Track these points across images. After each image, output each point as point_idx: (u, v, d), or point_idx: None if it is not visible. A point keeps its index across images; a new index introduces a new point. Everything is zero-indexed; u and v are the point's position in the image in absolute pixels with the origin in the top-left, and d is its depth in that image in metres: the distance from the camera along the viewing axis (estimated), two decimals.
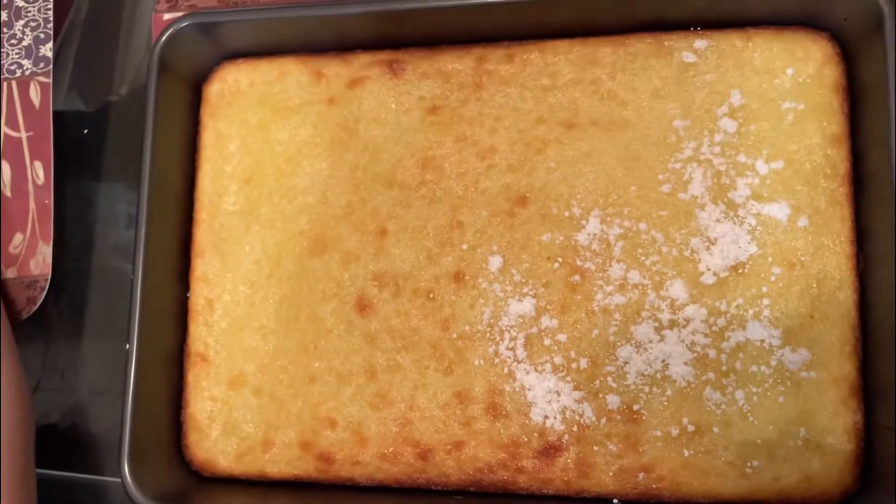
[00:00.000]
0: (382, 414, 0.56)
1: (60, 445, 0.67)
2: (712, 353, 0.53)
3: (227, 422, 0.59)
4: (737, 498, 0.53)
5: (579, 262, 0.55)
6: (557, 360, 0.55)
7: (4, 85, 0.66)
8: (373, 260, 0.58)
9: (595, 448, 0.54)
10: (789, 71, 0.55)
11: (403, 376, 0.57)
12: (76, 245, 0.69)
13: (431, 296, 0.57)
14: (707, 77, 0.56)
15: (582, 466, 0.54)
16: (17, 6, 0.67)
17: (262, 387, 0.58)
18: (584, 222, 0.56)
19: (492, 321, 0.56)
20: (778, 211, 0.54)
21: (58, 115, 0.67)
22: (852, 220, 0.54)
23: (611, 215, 0.56)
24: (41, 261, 0.64)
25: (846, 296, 0.53)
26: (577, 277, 0.55)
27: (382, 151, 0.59)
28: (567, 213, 0.56)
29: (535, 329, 0.55)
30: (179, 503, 0.56)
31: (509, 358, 0.55)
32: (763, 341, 0.53)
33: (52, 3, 0.67)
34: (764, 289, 0.53)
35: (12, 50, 0.66)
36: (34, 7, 0.67)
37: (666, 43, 0.57)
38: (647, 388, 0.54)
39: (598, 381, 0.54)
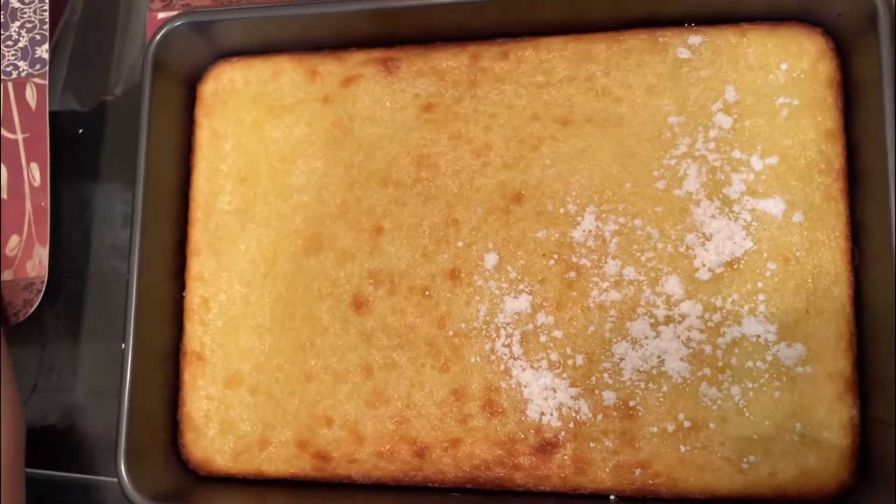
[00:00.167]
0: (379, 412, 0.56)
1: (58, 446, 0.67)
2: (708, 348, 0.53)
3: (223, 421, 0.59)
4: (733, 493, 0.53)
5: (575, 259, 0.55)
6: (553, 356, 0.55)
7: (0, 87, 0.66)
8: (368, 258, 0.58)
9: (591, 444, 0.54)
10: (783, 66, 0.55)
11: (400, 374, 0.57)
12: (73, 245, 0.69)
13: (427, 293, 0.57)
14: (701, 73, 0.56)
15: (578, 463, 0.54)
16: (12, 7, 0.67)
17: (258, 385, 0.58)
18: (579, 219, 0.56)
19: (488, 318, 0.56)
20: (773, 206, 0.54)
21: (53, 115, 0.66)
22: (847, 215, 0.54)
23: (606, 212, 0.56)
24: (38, 263, 0.64)
25: (841, 291, 0.53)
26: (572, 274, 0.55)
27: (377, 149, 0.59)
28: (562, 210, 0.56)
29: (530, 326, 0.55)
30: (176, 502, 0.56)
31: (505, 355, 0.55)
32: (759, 337, 0.53)
33: (48, 5, 0.67)
34: (759, 284, 0.53)
35: (8, 51, 0.66)
36: (30, 8, 0.67)
37: (660, 39, 0.57)
38: (643, 385, 0.54)
39: (594, 378, 0.54)
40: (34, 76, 0.66)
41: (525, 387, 0.55)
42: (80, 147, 0.71)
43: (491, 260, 0.56)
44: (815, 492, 0.52)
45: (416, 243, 0.58)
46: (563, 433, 0.54)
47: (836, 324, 0.53)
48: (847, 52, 0.55)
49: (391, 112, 0.59)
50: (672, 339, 0.54)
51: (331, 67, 0.61)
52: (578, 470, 0.54)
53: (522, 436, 0.55)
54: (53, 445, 0.67)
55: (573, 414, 0.54)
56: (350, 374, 0.57)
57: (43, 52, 0.66)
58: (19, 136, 0.66)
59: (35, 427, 0.67)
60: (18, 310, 0.64)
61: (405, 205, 0.58)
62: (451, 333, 0.56)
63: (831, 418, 0.52)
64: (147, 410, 0.58)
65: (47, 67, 0.66)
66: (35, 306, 0.64)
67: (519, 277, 0.56)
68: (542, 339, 0.55)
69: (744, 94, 0.55)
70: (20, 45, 0.66)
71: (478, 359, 0.56)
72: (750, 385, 0.53)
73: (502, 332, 0.56)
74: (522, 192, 0.57)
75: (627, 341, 0.54)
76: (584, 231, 0.56)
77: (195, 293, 0.60)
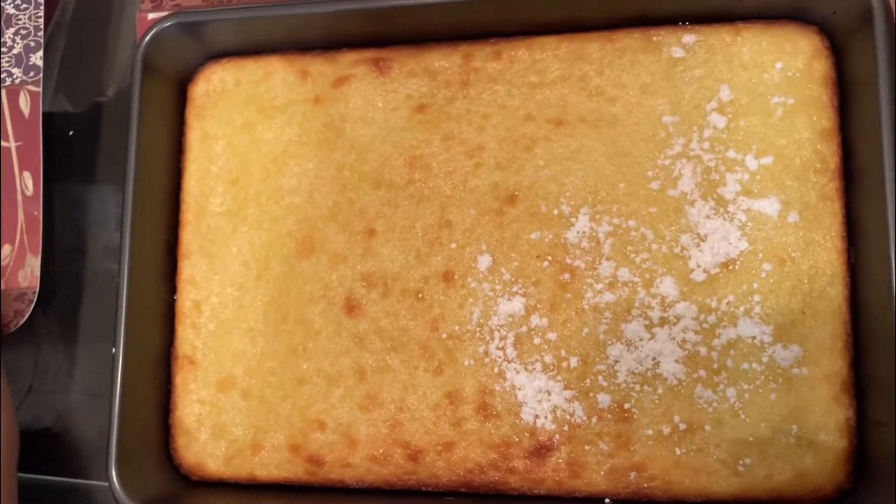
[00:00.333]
0: (372, 415, 0.56)
1: (51, 449, 0.67)
2: (703, 350, 0.53)
3: (215, 425, 0.58)
4: (729, 496, 0.53)
5: (569, 261, 0.55)
6: (548, 359, 0.54)
7: None
8: (361, 260, 0.58)
9: (586, 447, 0.54)
10: (778, 65, 0.54)
11: (393, 377, 0.56)
12: (67, 247, 0.69)
13: (420, 296, 0.56)
14: (696, 72, 0.56)
15: (573, 466, 0.54)
16: (7, 14, 0.66)
17: (250, 389, 0.58)
18: (573, 220, 0.55)
19: (481, 321, 0.56)
20: (768, 206, 0.53)
21: (46, 117, 0.66)
22: (843, 214, 0.53)
23: (600, 213, 0.55)
24: (29, 273, 0.64)
25: (837, 291, 0.52)
26: (566, 276, 0.55)
27: (369, 151, 0.59)
28: (556, 211, 0.56)
29: (524, 328, 0.55)
30: None
31: (499, 357, 0.55)
32: (754, 338, 0.53)
33: (42, 11, 0.66)
34: (755, 285, 0.53)
35: (2, 58, 0.66)
36: (25, 15, 0.66)
37: (654, 38, 0.56)
38: (638, 387, 0.53)
39: (588, 380, 0.54)
40: (28, 83, 0.65)
41: (519, 389, 0.55)
42: (74, 148, 0.70)
43: (484, 262, 0.56)
44: (812, 494, 0.52)
45: (409, 245, 0.57)
46: (557, 436, 0.54)
47: (833, 325, 0.52)
48: (842, 51, 0.54)
49: (383, 113, 0.59)
50: (667, 341, 0.53)
51: (322, 68, 0.60)
52: (573, 473, 0.54)
53: (517, 439, 0.54)
54: (47, 449, 0.67)
55: (567, 417, 0.54)
56: (343, 378, 0.57)
57: (37, 59, 0.66)
58: (12, 145, 0.65)
59: (29, 430, 0.67)
60: (9, 320, 0.64)
61: (398, 206, 0.58)
62: (444, 336, 0.56)
63: (827, 420, 0.52)
64: (138, 415, 0.57)
65: (41, 75, 0.65)
66: (26, 317, 0.64)
67: (513, 279, 0.56)
68: (536, 341, 0.55)
69: (738, 93, 0.55)
70: (14, 51, 0.66)
71: (471, 361, 0.55)
72: (746, 387, 0.52)
73: (496, 334, 0.55)
74: (516, 193, 0.56)
75: (622, 343, 0.54)
76: (578, 232, 0.55)
77: (187, 296, 0.60)
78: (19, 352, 0.68)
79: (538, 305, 0.55)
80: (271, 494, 0.58)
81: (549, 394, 0.54)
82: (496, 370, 0.55)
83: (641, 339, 0.54)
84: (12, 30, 0.66)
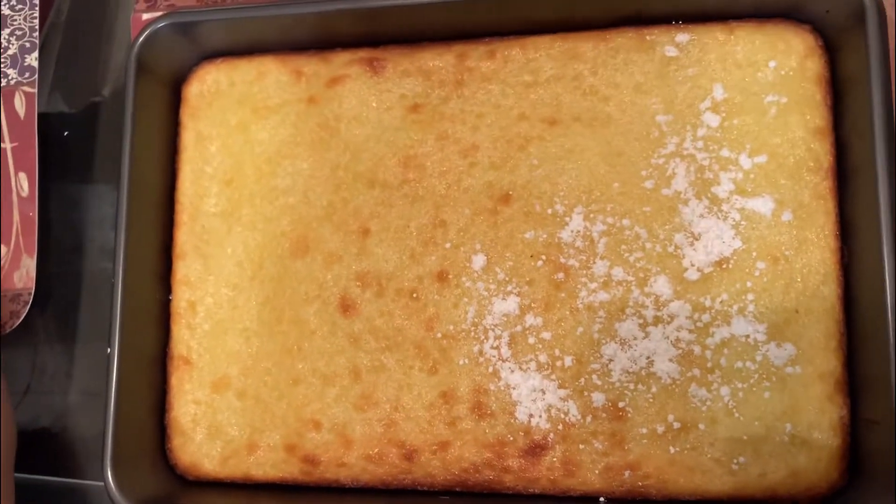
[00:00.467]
0: (367, 415, 0.56)
1: (49, 450, 0.67)
2: (697, 349, 0.53)
3: (211, 425, 0.58)
4: (723, 494, 0.53)
5: (563, 260, 0.55)
6: (542, 358, 0.55)
7: None
8: (355, 260, 0.58)
9: (581, 446, 0.54)
10: (772, 64, 0.54)
11: (388, 377, 0.56)
12: (64, 248, 0.69)
13: (415, 295, 0.57)
14: (689, 71, 0.56)
15: (568, 465, 0.54)
16: (2, 15, 0.66)
17: (245, 389, 0.58)
18: (567, 219, 0.55)
19: (476, 320, 0.56)
20: (762, 205, 0.53)
21: (41, 118, 0.66)
22: (836, 213, 0.53)
23: (594, 212, 0.55)
24: (25, 274, 0.64)
25: (831, 290, 0.53)
26: (560, 275, 0.55)
27: (364, 150, 0.59)
28: (550, 211, 0.56)
29: (519, 327, 0.55)
30: None
31: (494, 357, 0.55)
32: (748, 337, 0.53)
33: (38, 12, 0.66)
34: (748, 284, 0.53)
35: None
36: (20, 15, 0.66)
37: (647, 37, 0.56)
38: (632, 386, 0.53)
39: (582, 379, 0.54)
40: (23, 84, 0.65)
41: (514, 389, 0.55)
42: (70, 148, 0.70)
43: (479, 261, 0.56)
44: (806, 492, 0.52)
45: (403, 245, 0.57)
46: (552, 435, 0.54)
47: (826, 323, 0.52)
48: (835, 49, 0.54)
49: (377, 112, 0.59)
50: (661, 340, 0.53)
51: (316, 68, 0.60)
52: (568, 472, 0.54)
53: (511, 438, 0.54)
54: (44, 449, 0.67)
55: (562, 416, 0.54)
56: (338, 378, 0.57)
57: (32, 59, 0.66)
58: (7, 146, 0.65)
59: (26, 430, 0.67)
60: (5, 321, 0.64)
61: (392, 206, 0.58)
62: (439, 335, 0.56)
63: (821, 418, 0.52)
64: (134, 415, 0.57)
65: (36, 76, 0.65)
66: (22, 318, 0.64)
67: (507, 279, 0.56)
68: (531, 340, 0.55)
69: (732, 92, 0.55)
70: (9, 52, 0.66)
71: (466, 361, 0.55)
72: (739, 386, 0.52)
73: (490, 333, 0.55)
74: (510, 192, 0.56)
75: (616, 342, 0.54)
76: (572, 231, 0.55)
77: (181, 297, 0.60)
78: (17, 352, 0.68)
79: (532, 305, 0.55)
80: (267, 494, 0.58)
81: (544, 393, 0.54)
82: (491, 369, 0.55)
83: (635, 338, 0.54)
84: (7, 31, 0.66)
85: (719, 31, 0.55)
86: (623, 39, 0.57)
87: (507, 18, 0.58)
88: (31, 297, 0.64)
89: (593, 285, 0.55)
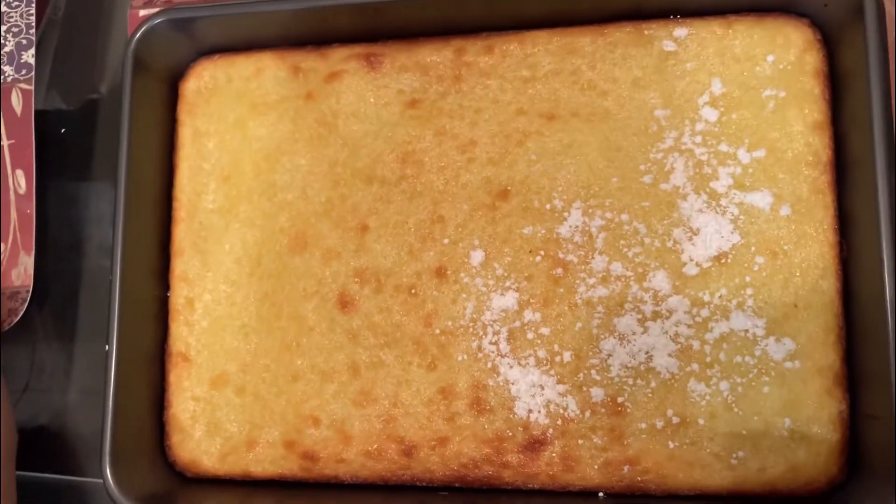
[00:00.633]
0: (366, 411, 0.56)
1: (48, 447, 0.67)
2: (696, 344, 0.53)
3: (210, 422, 0.58)
4: (722, 489, 0.53)
5: (561, 255, 0.55)
6: (541, 353, 0.54)
7: None
8: (354, 256, 0.58)
9: (580, 441, 0.54)
10: (770, 58, 0.54)
11: (387, 373, 0.56)
12: (62, 246, 0.69)
13: (413, 291, 0.56)
14: (687, 65, 0.55)
15: (567, 460, 0.54)
16: None
17: (244, 386, 0.58)
18: (565, 215, 0.55)
19: (474, 316, 0.56)
20: (760, 200, 0.53)
21: (38, 115, 0.66)
22: (835, 207, 0.53)
23: (593, 207, 0.55)
24: (23, 271, 0.64)
25: (829, 284, 0.52)
26: (559, 270, 0.55)
27: (362, 146, 0.59)
28: (548, 206, 0.56)
29: (517, 323, 0.55)
30: None
31: (493, 352, 0.55)
32: (747, 331, 0.53)
33: (34, 9, 0.66)
34: (747, 278, 0.53)
35: None
36: (16, 12, 0.66)
37: (646, 31, 0.56)
38: (631, 381, 0.53)
39: (581, 375, 0.54)
40: (20, 81, 0.65)
41: (512, 384, 0.55)
42: (67, 146, 0.70)
43: (477, 257, 0.56)
44: (805, 487, 0.52)
45: (401, 241, 0.57)
46: (550, 430, 0.54)
47: (825, 318, 0.52)
48: (833, 43, 0.54)
49: (375, 108, 0.59)
50: (660, 335, 0.53)
51: (314, 63, 0.60)
52: (567, 467, 0.54)
53: (510, 433, 0.54)
54: (43, 447, 0.67)
55: (561, 411, 0.54)
56: (337, 374, 0.57)
57: (29, 56, 0.65)
58: (4, 143, 0.65)
59: (25, 428, 0.67)
60: (3, 319, 0.64)
61: (390, 202, 0.58)
62: (437, 331, 0.56)
63: (820, 413, 0.52)
64: (132, 412, 0.57)
65: (33, 73, 0.65)
66: (20, 316, 0.63)
67: (505, 274, 0.56)
68: (530, 336, 0.55)
69: (730, 86, 0.55)
70: (6, 49, 0.66)
71: (465, 357, 0.55)
72: (739, 380, 0.52)
73: (489, 329, 0.55)
74: (508, 187, 0.56)
75: (615, 337, 0.54)
76: (570, 227, 0.55)
77: (180, 293, 0.60)
78: (15, 350, 0.68)
79: (531, 300, 0.55)
80: (266, 490, 0.58)
81: (543, 388, 0.54)
82: (489, 365, 0.55)
83: (634, 333, 0.54)
84: (4, 28, 0.66)
85: (717, 25, 0.55)
86: (621, 34, 0.56)
87: (504, 13, 0.58)
88: (30, 294, 0.63)
89: (592, 280, 0.54)
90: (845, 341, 0.52)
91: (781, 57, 0.54)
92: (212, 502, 0.57)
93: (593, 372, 0.54)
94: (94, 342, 0.67)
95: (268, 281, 0.59)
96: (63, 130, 0.70)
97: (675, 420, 0.53)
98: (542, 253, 0.55)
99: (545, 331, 0.55)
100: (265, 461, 0.58)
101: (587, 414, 0.54)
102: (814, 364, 0.52)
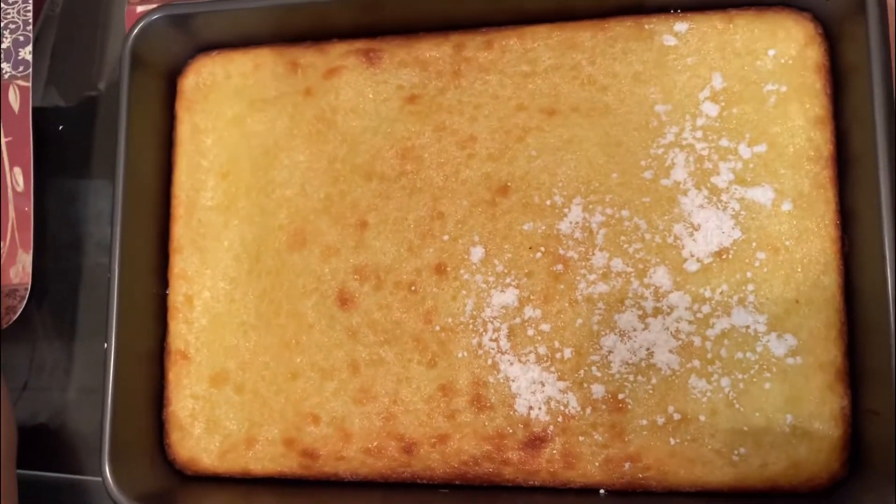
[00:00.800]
0: (366, 408, 0.56)
1: (47, 445, 0.67)
2: (697, 340, 0.53)
3: (209, 420, 0.58)
4: (724, 486, 0.52)
5: (562, 251, 0.55)
6: (541, 350, 0.54)
7: None
8: (353, 253, 0.57)
9: (580, 438, 0.53)
10: (771, 52, 0.54)
11: (386, 370, 0.56)
12: (61, 244, 0.69)
13: (413, 288, 0.56)
14: (688, 60, 0.55)
15: (567, 457, 0.54)
16: None
17: (244, 384, 0.58)
18: (566, 210, 0.55)
19: (475, 313, 0.55)
20: (762, 195, 0.53)
21: (36, 112, 0.66)
22: (836, 202, 0.53)
23: (593, 203, 0.55)
24: (21, 269, 0.64)
25: (831, 280, 0.52)
26: (559, 266, 0.55)
27: (361, 142, 0.58)
28: (549, 202, 0.55)
29: (518, 320, 0.55)
30: (162, 502, 0.55)
31: (493, 349, 0.55)
32: (748, 327, 0.52)
33: (31, 5, 0.66)
34: (748, 274, 0.53)
35: None
36: (14, 9, 0.66)
37: (646, 26, 0.56)
38: (631, 377, 0.53)
39: (582, 371, 0.54)
40: (17, 78, 0.65)
41: (513, 381, 0.54)
42: (66, 143, 0.70)
43: (477, 253, 0.56)
44: (807, 483, 0.52)
45: (401, 237, 0.57)
46: (551, 427, 0.54)
47: (827, 313, 0.52)
48: (835, 38, 0.54)
49: (374, 104, 0.59)
50: (661, 331, 0.53)
51: (312, 59, 0.60)
52: (567, 464, 0.54)
53: (511, 430, 0.54)
54: (43, 445, 0.67)
55: (562, 408, 0.54)
56: (336, 371, 0.57)
57: (26, 53, 0.65)
58: (2, 141, 0.65)
59: (25, 427, 0.67)
60: (1, 317, 0.64)
61: (390, 198, 0.57)
62: (437, 328, 0.56)
63: (822, 409, 0.51)
64: (131, 410, 0.57)
65: (30, 70, 0.65)
66: (18, 313, 0.63)
67: (506, 271, 0.55)
68: (530, 332, 0.55)
69: (731, 81, 0.54)
70: (3, 46, 0.65)
71: (465, 353, 0.55)
72: (740, 377, 0.52)
73: (489, 326, 0.55)
74: (508, 183, 0.56)
75: (616, 334, 0.54)
76: (570, 223, 0.55)
77: (178, 291, 0.60)
78: (14, 348, 0.68)
79: (531, 297, 0.55)
80: (266, 488, 0.57)
81: (543, 385, 0.54)
82: (490, 362, 0.55)
83: (635, 330, 0.53)
84: (1, 24, 0.66)
85: (718, 19, 0.55)
86: (621, 28, 0.56)
87: (504, 8, 0.58)
88: (28, 292, 0.63)
89: (592, 277, 0.54)
90: (847, 337, 0.52)
91: (783, 51, 0.54)
92: (211, 500, 0.57)
93: (594, 368, 0.54)
94: (93, 340, 0.67)
95: (267, 278, 0.58)
96: (61, 127, 0.70)
97: (677, 416, 0.53)
98: (542, 249, 0.55)
99: (545, 327, 0.54)
100: (265, 459, 0.57)
101: (588, 411, 0.53)
102: (815, 360, 0.52)
